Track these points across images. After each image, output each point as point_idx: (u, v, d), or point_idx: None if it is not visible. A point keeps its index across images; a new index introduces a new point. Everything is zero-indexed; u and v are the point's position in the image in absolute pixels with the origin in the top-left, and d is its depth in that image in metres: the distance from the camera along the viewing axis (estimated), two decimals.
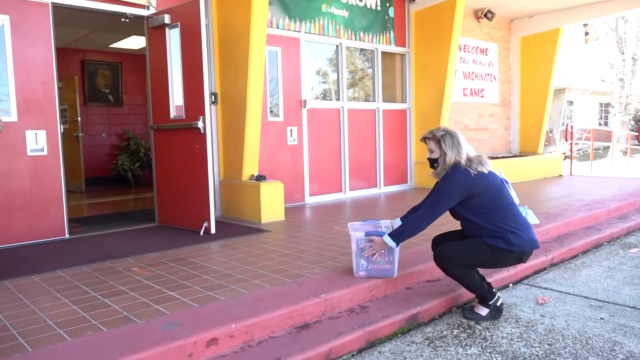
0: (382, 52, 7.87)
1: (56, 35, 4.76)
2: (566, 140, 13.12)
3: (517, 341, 2.76)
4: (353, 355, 2.67)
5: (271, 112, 6.42)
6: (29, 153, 4.56)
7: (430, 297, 3.26)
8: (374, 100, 7.84)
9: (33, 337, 2.44)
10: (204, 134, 4.74)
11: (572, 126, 11.99)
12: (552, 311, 3.19)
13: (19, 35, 4.50)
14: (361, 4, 7.42)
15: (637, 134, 18.84)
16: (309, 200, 6.88)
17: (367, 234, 3.25)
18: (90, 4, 4.93)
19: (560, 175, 9.91)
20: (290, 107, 6.60)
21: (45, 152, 4.65)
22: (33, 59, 4.59)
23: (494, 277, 3.68)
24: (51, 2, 4.67)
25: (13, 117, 4.48)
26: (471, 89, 9.34)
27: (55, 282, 3.37)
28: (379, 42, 7.75)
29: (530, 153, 10.05)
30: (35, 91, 4.60)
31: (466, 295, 3.42)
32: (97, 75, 9.84)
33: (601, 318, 3.06)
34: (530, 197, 6.96)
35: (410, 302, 3.16)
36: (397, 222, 3.42)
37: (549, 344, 2.70)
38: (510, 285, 3.77)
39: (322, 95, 7.27)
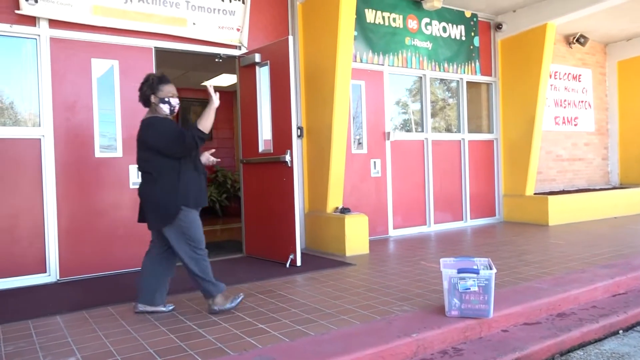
0: (467, 82, 7.71)
1: None
2: None
3: None
4: None
5: (357, 144, 6.45)
6: (131, 186, 4.89)
7: (530, 341, 3.04)
8: (459, 131, 7.66)
9: None
10: (291, 167, 4.85)
11: None
12: None
13: (126, 78, 4.90)
14: (445, 35, 7.35)
15: None
16: (393, 233, 6.77)
17: (460, 271, 3.12)
18: (189, 46, 5.28)
19: None
20: (374, 139, 6.60)
21: None
22: (137, 99, 4.95)
23: (601, 322, 3.38)
24: (154, 47, 5.06)
25: (119, 153, 4.85)
26: (563, 117, 8.87)
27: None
28: (464, 72, 7.61)
29: (633, 184, 9.29)
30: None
31: (570, 341, 3.16)
32: (189, 111, 10.47)
33: None
34: (637, 233, 6.39)
35: (508, 346, 2.97)
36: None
37: None
38: (620, 332, 3.43)
39: (405, 127, 7.22)
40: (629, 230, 6.65)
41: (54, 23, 4.57)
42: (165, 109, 3.34)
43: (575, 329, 3.25)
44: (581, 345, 3.19)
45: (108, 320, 3.33)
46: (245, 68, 5.46)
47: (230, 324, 3.15)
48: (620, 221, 7.61)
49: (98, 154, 4.76)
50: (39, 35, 4.51)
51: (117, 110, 4.87)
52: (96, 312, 3.52)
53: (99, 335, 3.03)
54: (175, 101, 3.36)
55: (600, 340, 3.30)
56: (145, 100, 3.38)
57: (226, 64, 6.16)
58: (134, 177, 4.90)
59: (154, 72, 5.00)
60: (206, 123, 3.28)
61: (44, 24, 4.53)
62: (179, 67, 8.49)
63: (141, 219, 3.48)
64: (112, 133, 4.86)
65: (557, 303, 3.61)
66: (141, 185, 3.39)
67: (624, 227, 6.95)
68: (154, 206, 3.30)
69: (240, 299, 3.42)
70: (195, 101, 10.52)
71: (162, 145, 3.22)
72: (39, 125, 4.53)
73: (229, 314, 3.38)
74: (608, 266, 4.44)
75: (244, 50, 5.56)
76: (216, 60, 5.65)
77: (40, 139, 4.52)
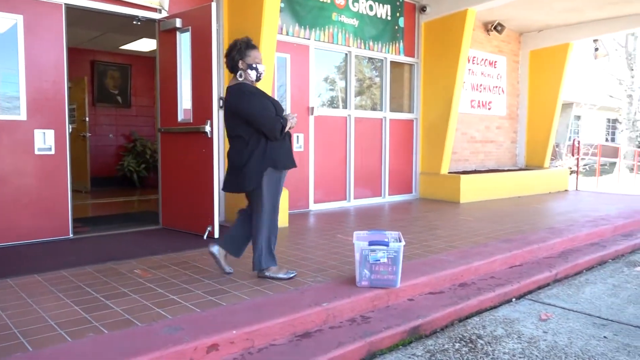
0: (391, 62, 7.88)
1: (68, 36, 4.80)
2: (572, 155, 13.07)
3: (519, 357, 2.73)
4: None
5: None
6: (36, 152, 4.58)
7: (433, 309, 3.24)
8: (382, 110, 7.84)
9: (34, 336, 2.44)
10: (211, 138, 4.75)
11: (579, 141, 11.95)
12: (555, 328, 3.17)
13: (32, 35, 4.53)
14: (371, 14, 7.44)
15: None
16: (313, 207, 6.87)
17: (371, 243, 3.24)
18: (103, 5, 4.96)
19: (565, 190, 9.87)
20: (298, 113, 6.56)
21: (52, 152, 4.68)
22: (44, 58, 4.62)
23: (497, 291, 3.67)
24: (65, 3, 4.70)
25: (22, 116, 4.51)
26: (479, 101, 9.34)
27: (58, 281, 3.38)
28: (388, 52, 7.77)
29: (536, 167, 10.02)
30: (45, 91, 4.63)
31: (469, 308, 3.40)
32: (106, 76, 9.91)
33: (604, 337, 3.03)
34: (535, 212, 6.93)
35: (412, 313, 3.15)
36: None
37: None
38: (513, 299, 3.74)
39: (329, 103, 7.29)
40: (530, 209, 7.19)
41: None
42: (252, 74, 3.40)
43: (473, 297, 3.50)
44: (478, 312, 3.45)
45: (6, 292, 3.14)
46: (165, 33, 5.23)
47: (140, 295, 3.08)
48: (523, 200, 8.21)
49: None
50: None
51: (21, 71, 4.50)
52: None
53: None
54: (262, 67, 3.44)
55: (495, 307, 3.58)
56: (233, 66, 3.42)
57: (146, 27, 5.87)
58: (40, 142, 4.59)
59: (63, 30, 4.68)
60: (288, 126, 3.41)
61: None
62: (94, 28, 7.97)
63: (227, 186, 3.48)
64: (15, 94, 4.50)
65: (460, 274, 3.86)
66: (231, 149, 3.44)
67: (526, 206, 7.52)
68: (245, 169, 3.34)
69: (293, 274, 3.49)
70: (112, 65, 9.97)
71: (256, 120, 3.29)
72: None
73: (139, 285, 3.31)
74: (507, 241, 4.80)
75: (164, 14, 5.32)
76: (134, 22, 5.36)
77: None
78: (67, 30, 4.77)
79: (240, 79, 3.40)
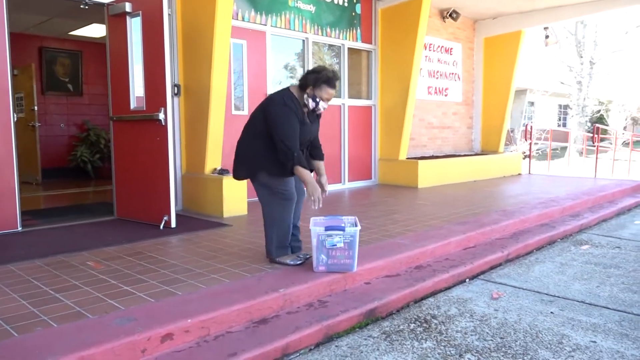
0: (349, 49, 7.89)
1: (11, 20, 4.57)
2: (526, 140, 13.49)
3: (471, 335, 2.82)
4: (310, 349, 2.68)
5: (235, 105, 6.35)
6: None
7: (389, 292, 3.30)
8: (340, 96, 7.86)
9: None
10: (165, 126, 4.65)
11: (531, 126, 12.33)
12: (505, 305, 3.28)
13: None
14: (328, 0, 7.41)
15: (592, 135, 19.55)
16: None
17: (327, 228, 3.26)
18: None
19: (519, 174, 10.19)
20: (255, 100, 6.52)
21: None
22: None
23: (451, 272, 3.76)
24: None
25: None
26: (436, 88, 9.49)
27: (5, 276, 3.25)
28: (346, 38, 7.77)
29: (491, 152, 10.29)
30: None
31: (424, 289, 3.48)
32: (55, 63, 9.51)
33: (551, 312, 3.16)
34: (490, 195, 7.13)
35: (368, 296, 3.19)
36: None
37: (501, 337, 2.78)
38: (467, 280, 3.85)
39: None
40: (484, 192, 7.40)
41: None
42: (310, 104, 3.43)
43: (428, 279, 3.58)
44: (433, 293, 3.53)
45: None
46: (114, 17, 5.05)
47: (92, 288, 3.01)
48: (478, 184, 8.43)
49: None
50: None
51: None
52: None
53: None
54: (323, 105, 3.45)
55: (449, 288, 3.67)
56: (303, 85, 3.43)
57: (95, 12, 5.67)
58: None
59: (4, 14, 4.46)
60: (298, 173, 3.38)
61: None
62: (41, 13, 7.63)
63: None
64: None
65: (415, 257, 3.94)
66: (241, 136, 3.59)
67: (480, 190, 7.72)
68: (240, 159, 3.56)
69: (301, 261, 3.53)
70: (62, 52, 9.57)
71: (276, 137, 3.32)
72: None
73: (91, 277, 3.22)
74: (462, 223, 4.93)
75: None
76: (81, 6, 5.16)
77: None
78: (10, 15, 4.54)
79: (297, 93, 3.45)
